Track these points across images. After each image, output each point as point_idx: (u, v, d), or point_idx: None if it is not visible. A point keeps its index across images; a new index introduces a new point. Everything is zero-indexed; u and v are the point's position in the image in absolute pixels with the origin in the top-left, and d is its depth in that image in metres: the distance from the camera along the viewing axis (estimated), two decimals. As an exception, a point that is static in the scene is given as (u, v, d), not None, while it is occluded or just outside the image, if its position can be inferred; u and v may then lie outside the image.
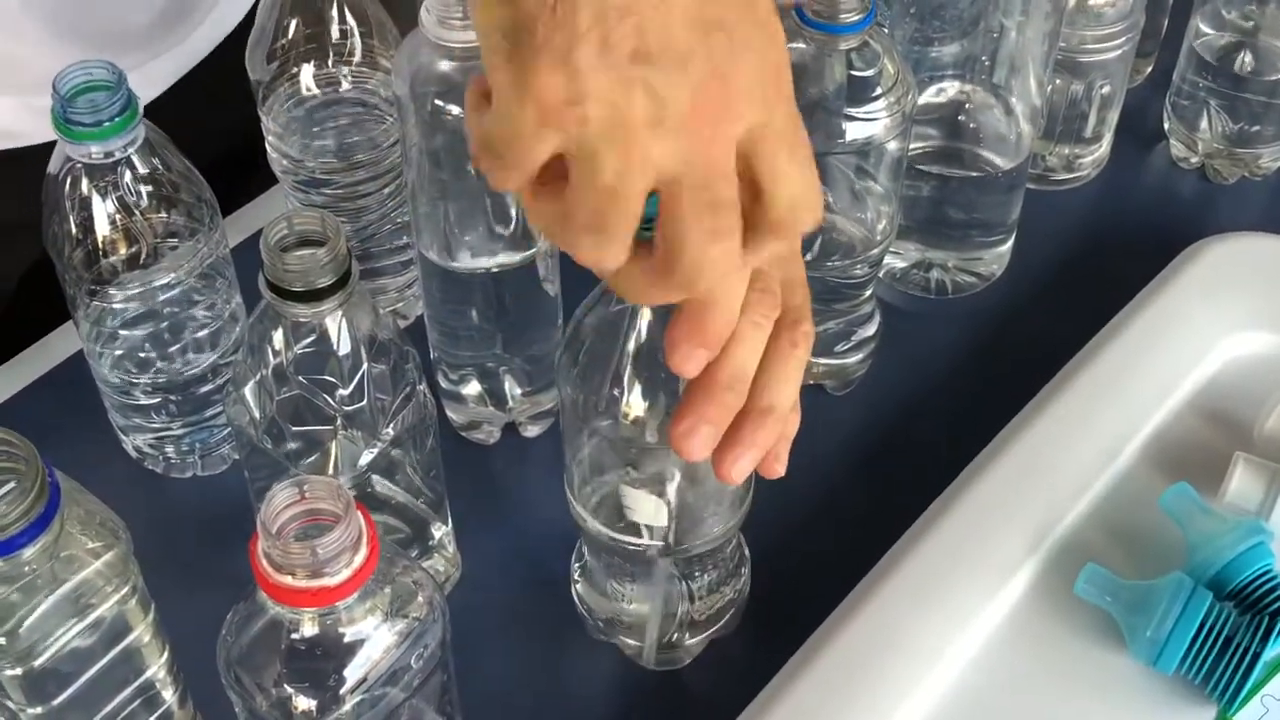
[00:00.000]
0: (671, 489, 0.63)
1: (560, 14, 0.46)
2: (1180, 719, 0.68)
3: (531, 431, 0.81)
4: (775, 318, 0.54)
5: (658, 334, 0.57)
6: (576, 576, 0.72)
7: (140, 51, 0.85)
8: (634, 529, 0.65)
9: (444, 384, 0.80)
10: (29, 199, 0.71)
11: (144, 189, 0.70)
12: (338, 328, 0.61)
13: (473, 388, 0.79)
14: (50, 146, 0.69)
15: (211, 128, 0.85)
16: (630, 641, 0.71)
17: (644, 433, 0.61)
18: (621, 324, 0.59)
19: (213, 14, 0.88)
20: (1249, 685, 0.67)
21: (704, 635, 0.71)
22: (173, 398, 0.76)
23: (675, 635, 0.70)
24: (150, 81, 0.86)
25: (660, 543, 0.65)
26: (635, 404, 0.60)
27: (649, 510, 0.64)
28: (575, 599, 0.72)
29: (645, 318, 0.58)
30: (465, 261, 0.72)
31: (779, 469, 0.58)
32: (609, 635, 0.72)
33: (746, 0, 0.48)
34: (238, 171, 0.88)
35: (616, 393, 0.60)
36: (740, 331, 0.53)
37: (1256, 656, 0.67)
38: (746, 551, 0.72)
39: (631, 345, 0.59)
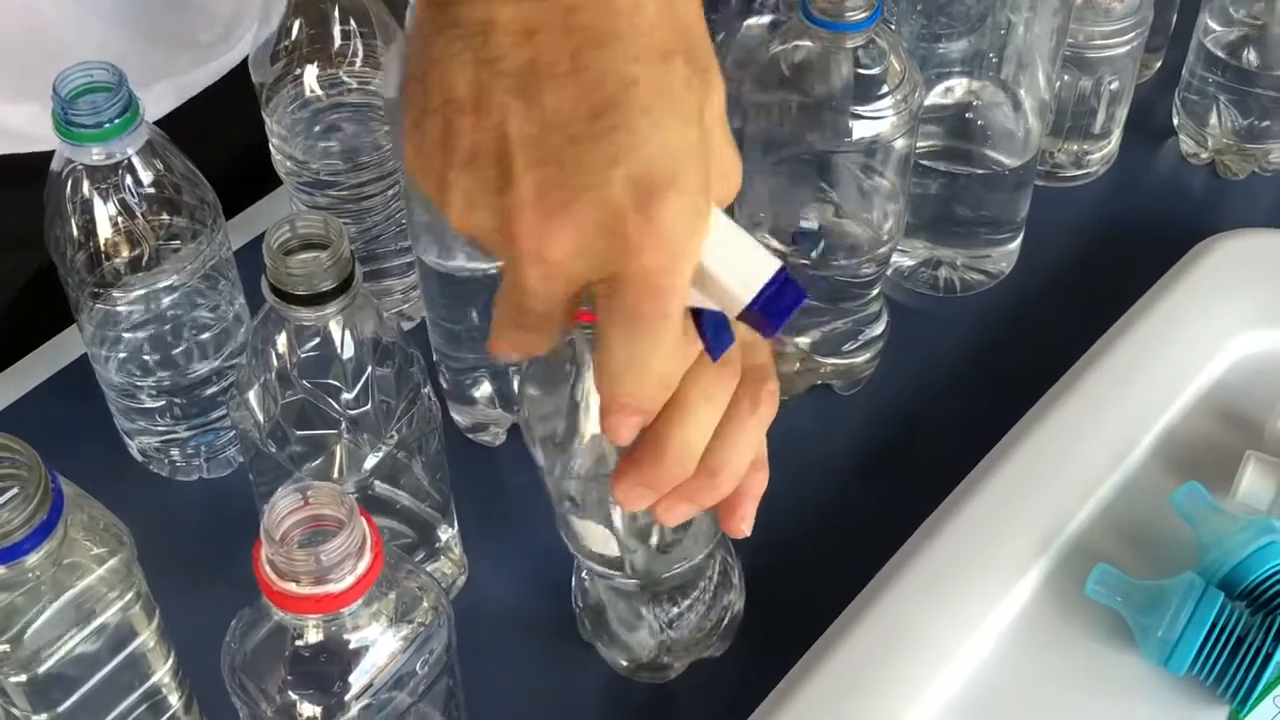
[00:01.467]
0: (617, 517, 0.63)
1: (424, 86, 0.47)
2: (1192, 720, 0.68)
3: (538, 433, 0.81)
4: (733, 387, 0.53)
5: None
6: (584, 577, 0.72)
7: (185, 62, 0.85)
8: (597, 558, 0.65)
9: (448, 386, 0.79)
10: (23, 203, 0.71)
11: (146, 191, 0.70)
12: (341, 331, 0.61)
13: (484, 389, 0.79)
14: (38, 158, 0.69)
15: (214, 130, 0.85)
16: (613, 656, 0.71)
17: (588, 465, 0.61)
18: (564, 367, 0.58)
19: (252, 28, 0.88)
20: (1261, 686, 0.67)
21: (689, 658, 0.71)
22: (177, 400, 0.76)
23: (655, 658, 0.70)
24: (183, 90, 0.86)
25: (618, 572, 0.65)
26: (581, 439, 0.60)
27: (598, 539, 0.64)
28: (573, 599, 0.72)
29: (590, 366, 0.57)
30: (463, 263, 0.72)
31: (743, 529, 0.56)
32: (596, 640, 0.71)
33: (625, 141, 0.45)
34: (255, 177, 0.88)
35: (567, 426, 0.60)
36: (689, 403, 0.51)
37: (1269, 657, 0.66)
38: (734, 571, 0.71)
39: (575, 389, 0.58)
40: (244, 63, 0.88)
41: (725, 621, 0.71)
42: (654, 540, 0.64)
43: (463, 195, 0.47)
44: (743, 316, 0.50)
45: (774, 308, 0.49)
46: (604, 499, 0.62)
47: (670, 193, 0.46)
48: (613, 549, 0.64)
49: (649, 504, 0.53)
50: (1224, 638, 0.67)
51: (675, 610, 0.68)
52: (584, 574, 0.71)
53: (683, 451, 0.52)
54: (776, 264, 0.49)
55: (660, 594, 0.67)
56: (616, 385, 0.49)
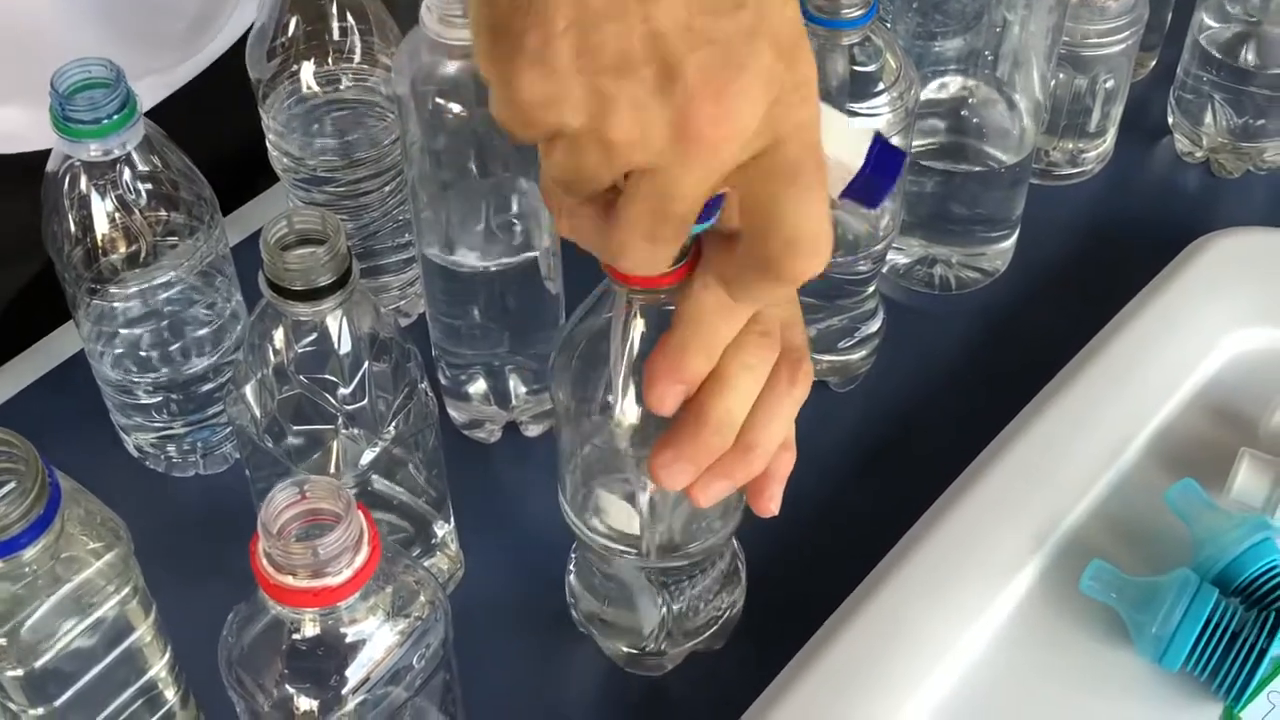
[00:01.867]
0: (644, 499, 0.63)
1: (535, 12, 0.44)
2: (1186, 715, 0.68)
3: (533, 431, 0.81)
4: (773, 361, 0.53)
5: (651, 341, 0.57)
6: (570, 568, 0.72)
7: (169, 58, 0.85)
8: (615, 535, 0.65)
9: (446, 382, 0.80)
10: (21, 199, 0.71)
11: (143, 187, 0.70)
12: (338, 326, 0.61)
13: (478, 386, 0.79)
14: (35, 155, 0.69)
15: (223, 129, 0.85)
16: (606, 642, 0.71)
17: (624, 440, 0.61)
18: (615, 330, 0.58)
19: (233, 19, 0.88)
20: (1255, 681, 0.67)
21: (685, 647, 0.71)
22: (174, 396, 0.76)
23: (653, 645, 0.70)
24: (168, 85, 0.86)
25: (634, 551, 0.65)
26: (621, 411, 0.60)
27: (621, 517, 0.64)
28: (566, 589, 0.72)
29: (639, 327, 0.57)
30: (467, 260, 0.72)
31: (771, 508, 0.57)
32: (589, 630, 0.72)
33: (755, 11, 0.45)
34: (248, 172, 0.88)
35: (608, 399, 0.60)
36: (730, 375, 0.52)
37: (1263, 653, 0.66)
38: (742, 570, 0.72)
39: (624, 353, 0.58)
40: (230, 57, 0.89)
41: (724, 618, 0.71)
42: (673, 520, 0.64)
43: (626, 104, 0.45)
44: (852, 188, 0.50)
45: (883, 170, 0.50)
46: (630, 475, 0.63)
47: (801, 50, 0.46)
48: (634, 526, 0.64)
49: (688, 482, 0.54)
50: (1218, 634, 0.67)
51: (682, 592, 0.68)
52: (574, 566, 0.71)
53: (723, 423, 0.53)
54: (872, 129, 0.50)
55: (670, 576, 0.67)
56: (804, 258, 0.48)
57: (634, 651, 0.70)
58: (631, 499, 0.63)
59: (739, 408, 0.53)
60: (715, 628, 0.71)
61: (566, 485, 0.65)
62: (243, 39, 0.88)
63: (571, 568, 0.72)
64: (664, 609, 0.68)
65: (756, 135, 0.46)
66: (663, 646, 0.70)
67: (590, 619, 0.71)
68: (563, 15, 0.44)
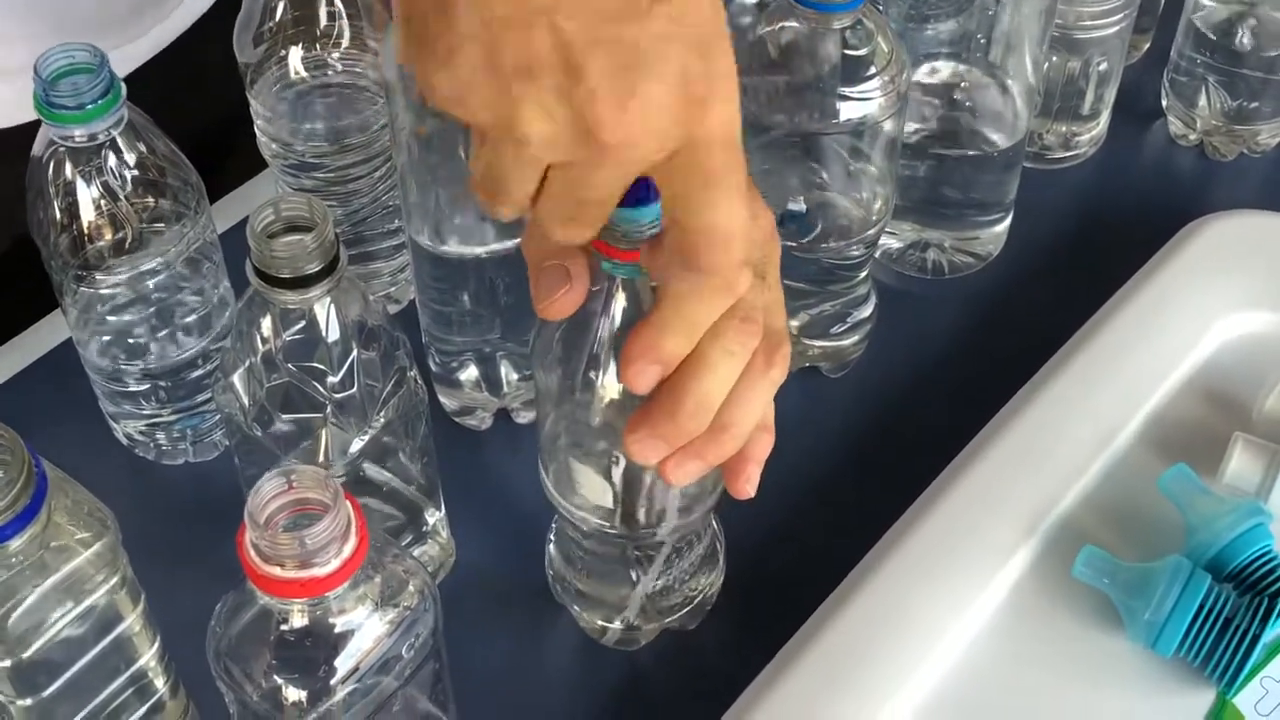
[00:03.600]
0: (618, 474, 0.63)
1: (445, 19, 0.46)
2: (1179, 701, 0.68)
3: (524, 417, 0.80)
4: (754, 346, 0.54)
5: (631, 316, 0.57)
6: (551, 538, 0.72)
7: (116, 37, 0.84)
8: (590, 509, 0.65)
9: (437, 369, 0.79)
10: (3, 184, 0.71)
11: (129, 173, 0.69)
12: (326, 314, 0.60)
13: (469, 373, 0.79)
14: (23, 130, 0.69)
15: (189, 110, 0.84)
16: (581, 614, 0.71)
17: (600, 415, 0.61)
18: (596, 307, 0.58)
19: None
20: (1248, 667, 0.67)
21: (658, 625, 0.71)
22: (163, 384, 0.76)
23: (628, 619, 0.70)
24: (125, 61, 0.85)
25: (608, 525, 0.65)
26: (601, 385, 0.60)
27: (596, 491, 0.64)
28: (546, 559, 0.72)
29: (620, 301, 0.57)
30: (456, 246, 0.72)
31: (748, 489, 0.58)
32: (565, 601, 0.71)
33: (668, 15, 0.46)
34: (217, 154, 0.87)
35: (589, 374, 0.60)
36: (710, 358, 0.53)
37: (1256, 638, 0.66)
38: (720, 552, 0.72)
39: (603, 329, 0.58)
40: (198, 32, 0.88)
41: (699, 598, 0.71)
42: (649, 498, 0.64)
43: (533, 106, 0.46)
44: None
45: None
46: (607, 449, 0.63)
47: (718, 45, 0.47)
48: (608, 501, 0.64)
49: (660, 457, 0.54)
50: (1211, 619, 0.67)
51: (656, 570, 0.68)
52: (554, 536, 0.71)
53: (700, 405, 0.53)
54: None
55: (646, 553, 0.67)
56: (718, 253, 0.49)
57: (608, 625, 0.70)
58: (607, 473, 0.63)
59: (717, 391, 0.53)
60: (690, 607, 0.71)
61: (545, 457, 0.65)
62: (209, 17, 0.88)
63: (552, 537, 0.72)
64: (639, 585, 0.68)
65: (669, 135, 0.47)
66: (636, 622, 0.70)
67: (567, 590, 0.71)
68: (468, 23, 0.46)
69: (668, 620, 0.71)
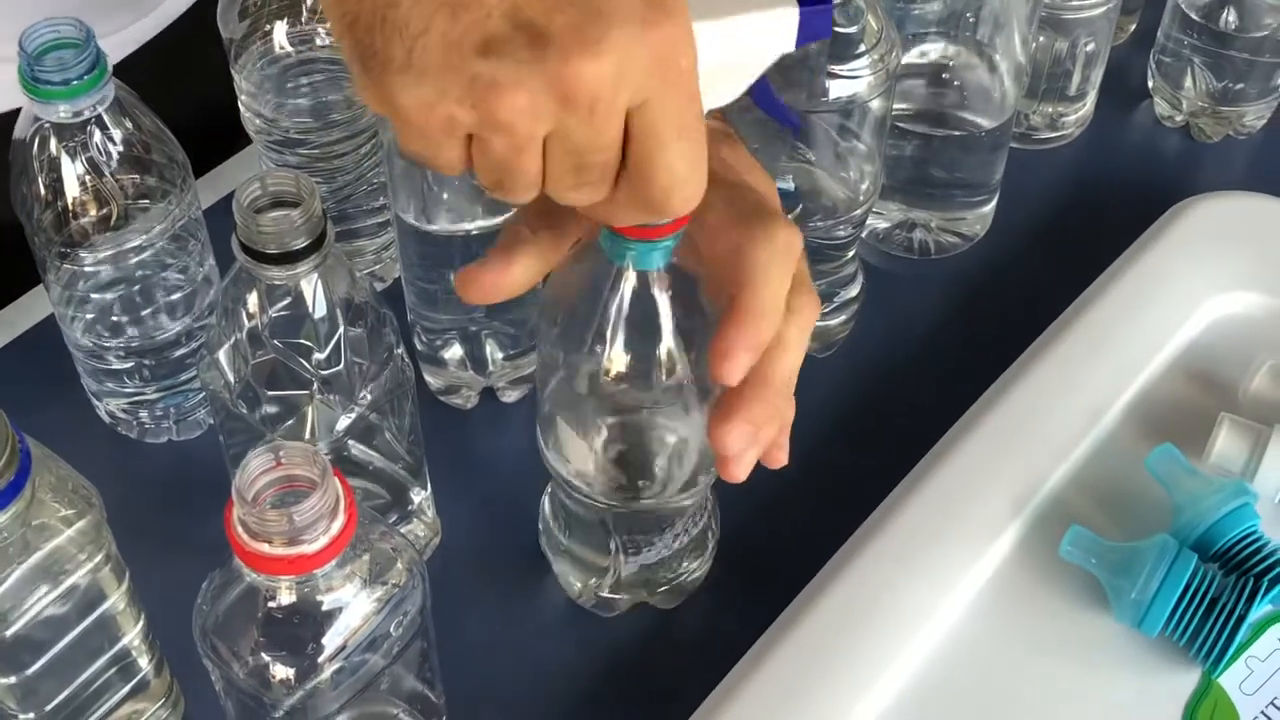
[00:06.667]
0: (599, 442, 0.63)
1: (390, 24, 0.45)
2: (1165, 680, 0.68)
3: (510, 396, 0.80)
4: (815, 320, 0.55)
5: (639, 295, 0.57)
6: (547, 489, 0.72)
7: (114, 19, 0.84)
8: (575, 474, 0.65)
9: (422, 347, 0.79)
10: None
11: (114, 149, 0.69)
12: (313, 290, 0.60)
13: (454, 351, 0.78)
14: (9, 117, 0.68)
15: (186, 89, 0.84)
16: (561, 571, 0.71)
17: (600, 388, 0.61)
18: (605, 279, 0.58)
19: None
20: (1234, 647, 0.67)
21: (634, 598, 0.71)
22: (146, 362, 0.75)
23: (604, 588, 0.70)
24: (122, 44, 0.84)
25: (586, 488, 0.65)
26: (608, 359, 0.60)
27: (580, 455, 0.64)
28: (539, 514, 0.72)
29: (630, 280, 0.57)
30: (443, 224, 0.71)
31: (782, 457, 0.59)
32: (550, 557, 0.72)
33: None
34: (214, 134, 0.87)
35: (596, 347, 0.59)
36: (791, 340, 0.54)
37: (1241, 618, 0.66)
38: (711, 541, 0.71)
39: (612, 302, 0.58)
40: (194, 10, 0.87)
41: (681, 580, 0.70)
42: (632, 469, 0.65)
43: (505, 81, 0.45)
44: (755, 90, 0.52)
45: (814, 23, 0.52)
46: (593, 416, 0.63)
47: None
48: (590, 467, 0.64)
49: (751, 444, 0.55)
50: (1197, 599, 0.67)
51: (637, 546, 0.68)
52: (549, 489, 0.71)
53: (787, 384, 0.54)
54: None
55: (631, 525, 0.67)
56: (682, 189, 0.49)
57: (584, 586, 0.70)
58: (605, 445, 0.64)
59: (797, 368, 0.55)
60: (670, 587, 0.70)
61: (540, 417, 0.65)
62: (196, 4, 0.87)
63: (548, 489, 0.71)
64: (618, 556, 0.68)
65: (639, 86, 0.46)
66: (610, 593, 0.69)
67: (553, 545, 0.71)
68: (418, 18, 0.45)
69: (648, 596, 0.71)
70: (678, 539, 0.68)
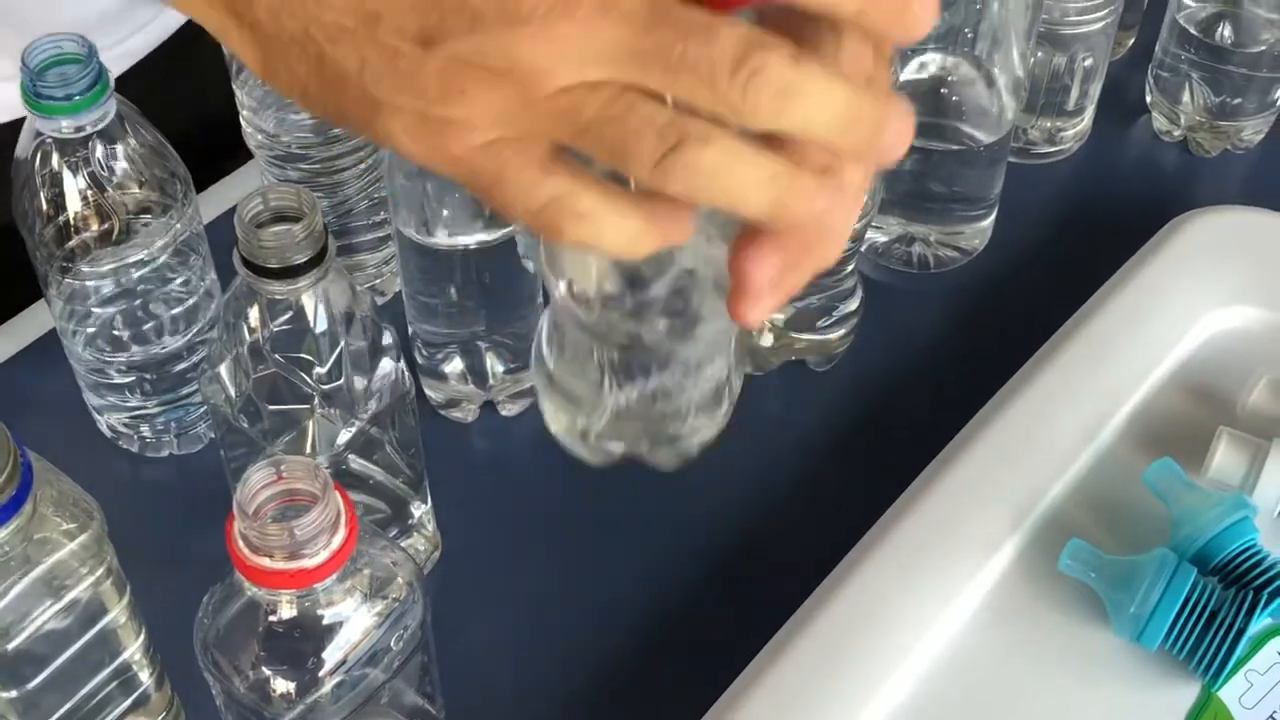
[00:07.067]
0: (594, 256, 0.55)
1: (330, 61, 0.44)
2: (1164, 694, 0.68)
3: (511, 410, 0.80)
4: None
5: None
6: (546, 315, 0.65)
7: (116, 33, 0.84)
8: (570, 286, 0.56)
9: (423, 361, 0.79)
10: None
11: (116, 164, 0.69)
12: (314, 305, 0.60)
13: (454, 365, 0.78)
14: (12, 126, 0.68)
15: (188, 103, 0.84)
16: (548, 404, 0.64)
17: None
18: None
19: None
20: (1233, 660, 0.67)
21: (620, 445, 0.61)
22: (148, 376, 0.75)
23: (586, 422, 0.63)
24: (123, 58, 0.85)
25: (582, 306, 0.56)
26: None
27: (578, 270, 0.56)
28: (534, 343, 0.65)
29: None
30: (443, 239, 0.72)
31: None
32: (540, 388, 0.64)
33: None
34: (216, 148, 0.87)
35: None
36: (853, 186, 0.50)
37: (1241, 632, 0.66)
38: (726, 403, 0.61)
39: None
40: (196, 33, 0.87)
41: (684, 439, 0.63)
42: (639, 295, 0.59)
43: (466, 90, 0.43)
44: None
45: None
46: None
47: None
48: (588, 283, 0.56)
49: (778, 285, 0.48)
50: (1197, 613, 0.67)
51: (632, 378, 0.61)
52: (548, 314, 0.63)
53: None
54: None
55: (628, 357, 0.59)
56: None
57: (569, 420, 0.64)
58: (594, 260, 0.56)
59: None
60: (671, 445, 0.61)
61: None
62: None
63: (547, 314, 0.64)
64: (608, 384, 0.61)
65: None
66: (594, 429, 0.63)
67: (543, 372, 0.63)
68: (352, 54, 0.44)
69: (645, 450, 0.61)
70: (688, 374, 0.62)
